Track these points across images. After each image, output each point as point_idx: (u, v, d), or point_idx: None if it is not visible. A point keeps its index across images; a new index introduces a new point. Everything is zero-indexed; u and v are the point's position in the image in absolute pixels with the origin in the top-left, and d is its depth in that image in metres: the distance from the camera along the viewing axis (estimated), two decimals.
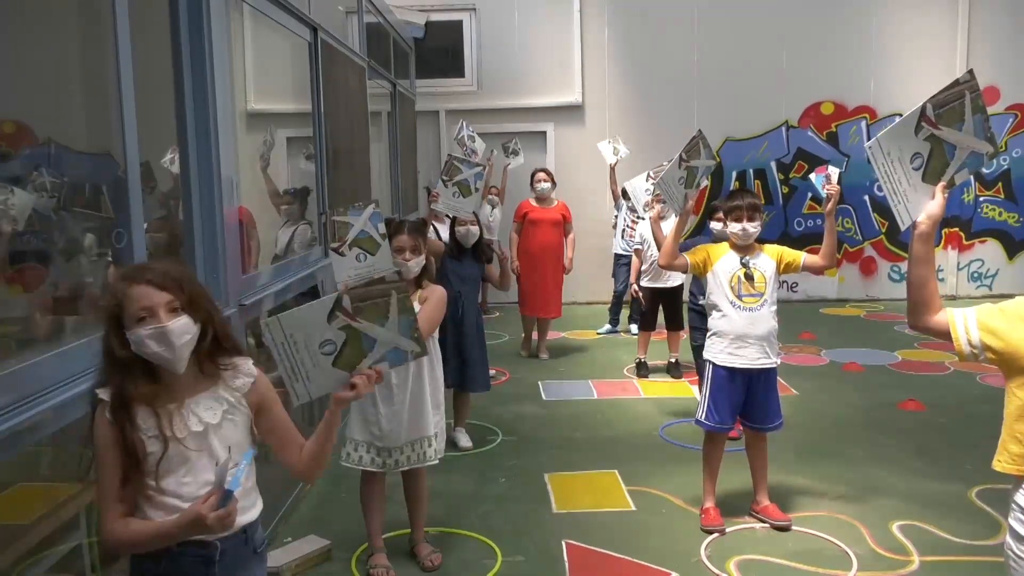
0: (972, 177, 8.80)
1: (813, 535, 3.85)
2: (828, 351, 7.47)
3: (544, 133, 10.06)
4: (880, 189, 2.21)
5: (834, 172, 4.02)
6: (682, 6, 9.84)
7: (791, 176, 10.04)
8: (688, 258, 3.97)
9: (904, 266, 9.56)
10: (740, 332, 3.82)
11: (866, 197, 10.04)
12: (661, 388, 6.41)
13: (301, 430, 2.12)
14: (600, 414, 5.80)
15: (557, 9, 9.86)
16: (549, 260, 7.32)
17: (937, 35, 9.77)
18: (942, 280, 10.04)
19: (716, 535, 3.86)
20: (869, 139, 8.26)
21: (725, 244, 3.95)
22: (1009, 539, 2.02)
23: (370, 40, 6.78)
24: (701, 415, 3.97)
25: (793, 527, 3.90)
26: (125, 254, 2.75)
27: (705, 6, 9.84)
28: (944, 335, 2.08)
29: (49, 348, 2.37)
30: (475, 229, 4.87)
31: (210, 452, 1.88)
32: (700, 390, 4.58)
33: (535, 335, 7.54)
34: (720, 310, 3.88)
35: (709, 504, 4.01)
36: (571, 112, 9.97)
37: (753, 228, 3.84)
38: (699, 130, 4.06)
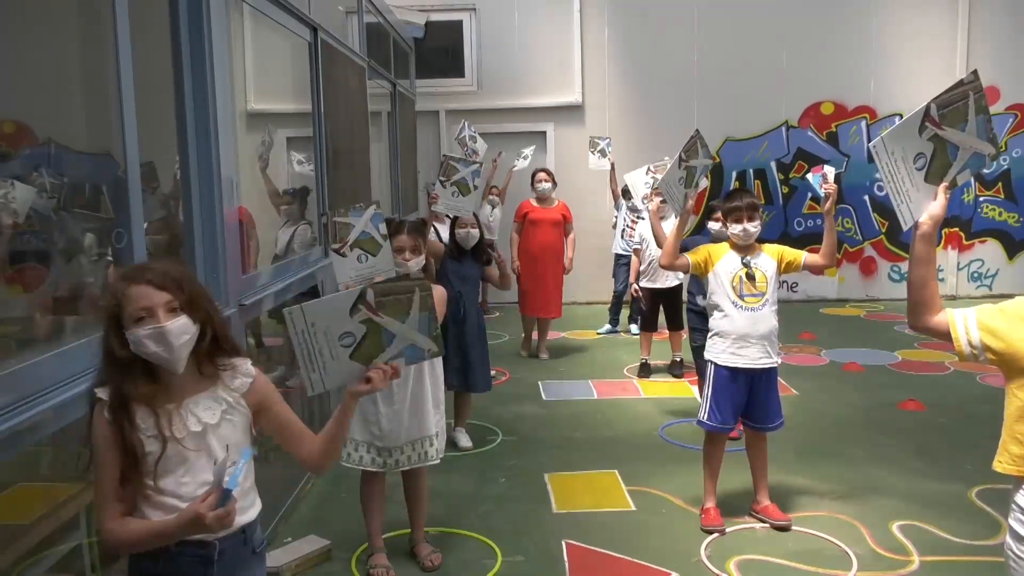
0: (972, 177, 8.82)
1: (813, 535, 3.85)
2: (828, 351, 7.47)
3: (544, 133, 10.06)
4: (881, 189, 2.22)
5: (830, 171, 4.03)
6: (682, 6, 9.84)
7: (791, 176, 10.04)
8: (689, 258, 3.97)
9: (904, 266, 9.57)
10: (742, 332, 3.82)
11: (866, 197, 10.04)
12: (661, 388, 6.41)
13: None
14: (600, 414, 5.80)
15: (557, 9, 9.86)
16: (549, 260, 7.32)
17: (937, 35, 9.77)
18: (942, 280, 10.04)
19: (716, 535, 3.86)
20: (869, 139, 8.29)
21: (725, 244, 3.95)
22: (1009, 539, 2.02)
23: (370, 40, 6.78)
24: (703, 415, 3.97)
25: (793, 527, 3.90)
26: (125, 254, 2.75)
27: (705, 6, 9.84)
28: (944, 336, 2.08)
29: (49, 348, 2.37)
30: (475, 232, 4.86)
31: (208, 452, 1.88)
32: (701, 390, 4.58)
33: (535, 335, 7.54)
34: (722, 310, 3.88)
35: (709, 504, 4.01)
36: (571, 112, 9.97)
37: (753, 228, 3.85)
38: (696, 130, 4.06)
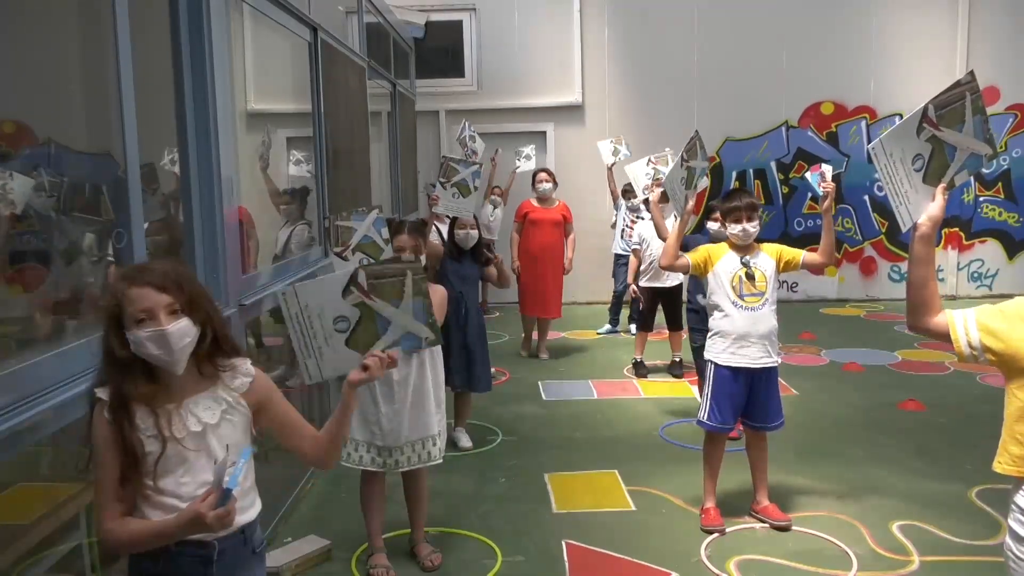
0: (972, 177, 8.81)
1: (813, 535, 3.85)
2: (828, 351, 7.47)
3: (544, 133, 10.06)
4: (880, 189, 2.22)
5: (828, 170, 4.03)
6: (682, 6, 9.84)
7: (791, 176, 10.04)
8: (689, 259, 3.97)
9: (904, 266, 9.57)
10: (742, 332, 3.82)
11: (866, 197, 10.05)
12: (661, 388, 6.41)
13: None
14: (600, 414, 5.80)
15: (557, 9, 9.86)
16: (549, 260, 7.32)
17: (937, 35, 9.77)
18: (942, 280, 10.04)
19: (716, 535, 3.86)
20: (869, 139, 8.30)
21: (724, 244, 3.95)
22: (1009, 540, 2.02)
23: (370, 40, 6.78)
24: (703, 415, 3.97)
25: (793, 527, 3.91)
26: (125, 254, 2.75)
27: (705, 6, 9.84)
28: (944, 336, 2.08)
29: (49, 348, 2.37)
30: (474, 232, 4.86)
31: (208, 452, 1.88)
32: (701, 390, 4.58)
33: (535, 335, 7.54)
34: (722, 310, 3.88)
35: (709, 504, 4.01)
36: (571, 112, 9.97)
37: (752, 228, 3.85)
38: (696, 131, 4.07)
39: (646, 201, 6.51)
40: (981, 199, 10.14)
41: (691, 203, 4.03)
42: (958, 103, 2.10)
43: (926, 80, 9.30)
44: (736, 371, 3.85)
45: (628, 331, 8.26)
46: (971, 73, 2.11)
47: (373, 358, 2.02)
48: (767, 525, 3.94)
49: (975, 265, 10.25)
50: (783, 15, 9.78)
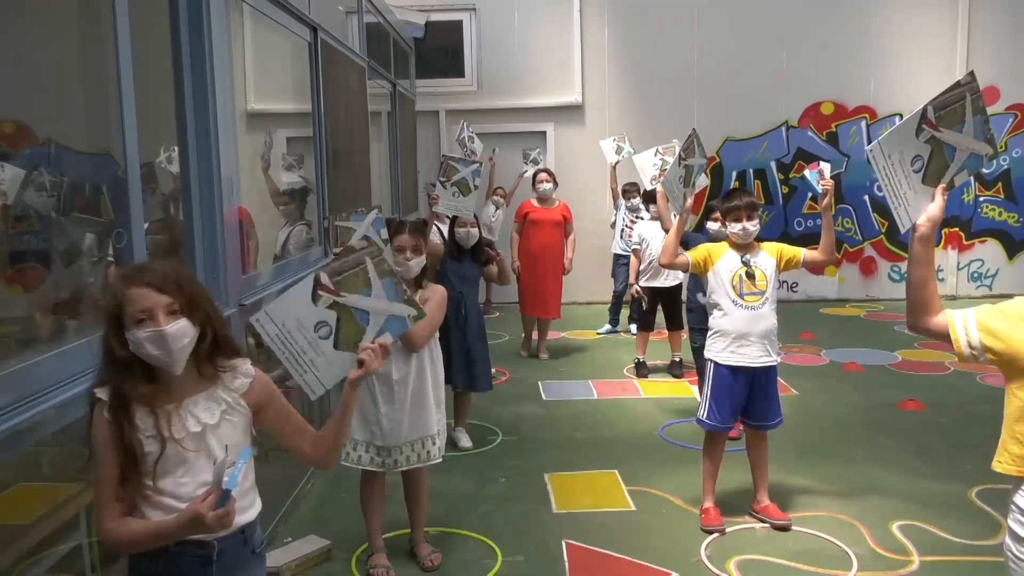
0: (972, 177, 8.81)
1: (813, 535, 3.85)
2: (828, 351, 7.47)
3: (544, 133, 10.06)
4: (880, 189, 2.22)
5: (826, 167, 4.03)
6: (682, 6, 9.84)
7: (791, 176, 10.04)
8: (689, 257, 3.97)
9: (904, 266, 9.56)
10: (742, 331, 3.82)
11: (866, 197, 10.05)
12: (661, 388, 6.41)
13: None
14: (600, 414, 5.80)
15: (557, 9, 9.86)
16: (549, 260, 7.32)
17: (937, 35, 9.77)
18: (942, 280, 10.04)
19: (716, 535, 3.86)
20: (869, 139, 8.28)
21: (725, 243, 3.95)
22: (1008, 540, 2.02)
23: (370, 40, 6.78)
24: (702, 414, 3.97)
25: (793, 527, 3.91)
26: (125, 254, 2.75)
27: (705, 6, 9.84)
28: (944, 337, 2.08)
29: (49, 348, 2.37)
30: (475, 231, 4.87)
31: (208, 452, 1.88)
32: (701, 390, 4.58)
33: (535, 335, 7.54)
34: (722, 309, 3.88)
35: (709, 504, 4.01)
36: (571, 112, 9.97)
37: (753, 227, 3.85)
38: (693, 129, 4.08)
39: (651, 196, 6.51)
40: (981, 199, 10.14)
41: (690, 201, 4.04)
42: (958, 103, 2.10)
43: (926, 80, 9.30)
44: (736, 370, 3.85)
45: (628, 331, 8.26)
46: (971, 74, 2.11)
47: (366, 352, 2.02)
48: (767, 525, 3.94)
49: (975, 265, 10.25)
50: (783, 15, 9.78)
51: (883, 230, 10.12)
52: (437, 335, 3.60)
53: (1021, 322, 1.97)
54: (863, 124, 9.95)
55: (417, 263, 3.46)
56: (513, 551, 3.75)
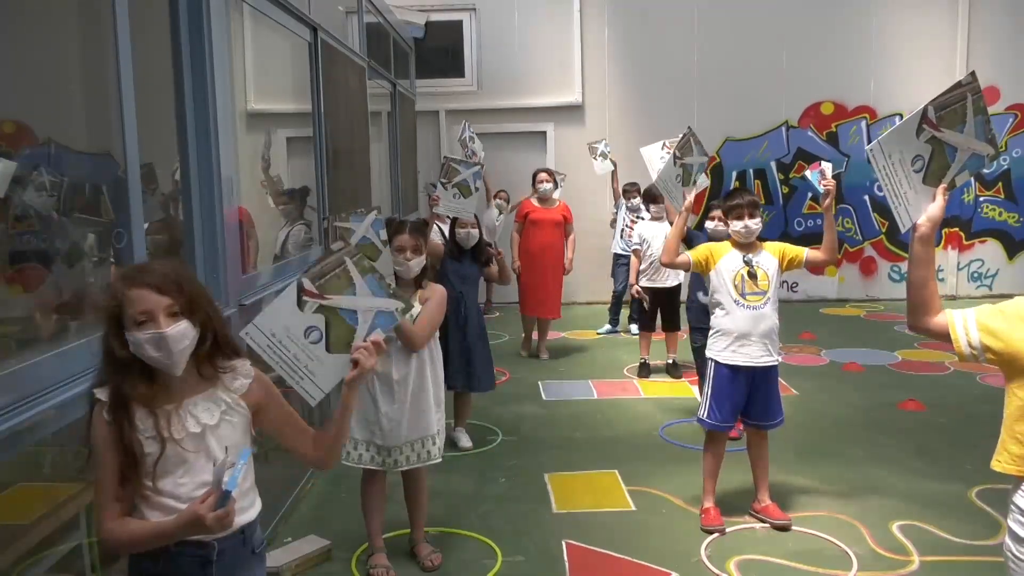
0: (972, 177, 8.83)
1: (813, 535, 3.85)
2: (828, 351, 7.47)
3: (544, 133, 10.06)
4: (880, 189, 2.22)
5: (828, 167, 4.03)
6: (682, 6, 9.84)
7: (791, 176, 10.05)
8: (691, 256, 3.97)
9: (904, 266, 9.57)
10: (744, 330, 3.82)
11: (866, 197, 10.05)
12: (661, 388, 6.41)
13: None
14: (600, 414, 5.80)
15: (557, 9, 9.86)
16: (549, 260, 7.32)
17: (937, 35, 9.77)
18: (942, 280, 10.04)
19: (716, 535, 3.86)
20: (869, 139, 8.26)
21: (727, 243, 3.95)
22: (1008, 540, 2.02)
23: (370, 40, 6.78)
24: (703, 413, 3.97)
25: (793, 527, 3.91)
26: (125, 254, 2.75)
27: (705, 6, 9.84)
28: (944, 336, 2.08)
29: (49, 348, 2.37)
30: (475, 232, 4.87)
31: (207, 453, 1.88)
32: (701, 389, 4.58)
33: (535, 335, 7.54)
34: (723, 308, 3.88)
35: (709, 504, 4.01)
36: (571, 112, 9.97)
37: (755, 225, 3.85)
38: (688, 127, 4.07)
39: (651, 196, 6.50)
40: (981, 199, 10.15)
41: (689, 199, 4.04)
42: (958, 104, 2.10)
43: (926, 80, 9.31)
44: (736, 369, 3.85)
45: (628, 331, 8.26)
46: (972, 74, 2.11)
47: (359, 351, 2.02)
48: (767, 525, 3.94)
49: (975, 265, 10.25)
50: (783, 15, 9.78)
51: (883, 230, 10.12)
52: (437, 335, 3.60)
53: (1021, 322, 1.97)
54: (863, 124, 9.95)
55: (417, 263, 3.46)
56: (513, 551, 3.75)
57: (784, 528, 3.90)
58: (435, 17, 9.85)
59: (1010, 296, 2.09)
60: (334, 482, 4.46)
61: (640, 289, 6.58)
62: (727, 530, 3.90)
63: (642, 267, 6.53)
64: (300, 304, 1.99)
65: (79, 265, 3.15)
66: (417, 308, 3.43)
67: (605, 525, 4.00)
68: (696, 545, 3.77)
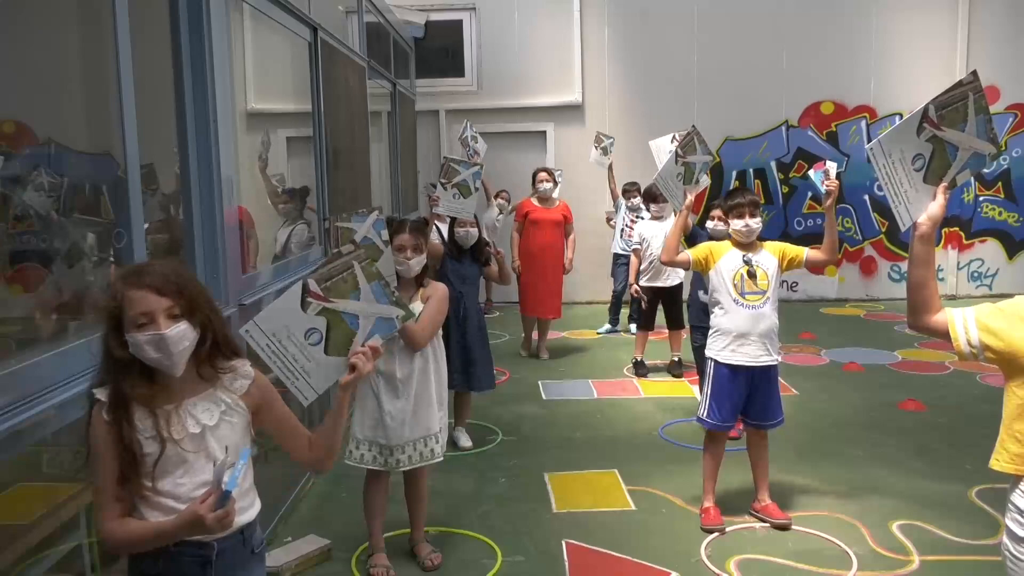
0: (972, 177, 8.82)
1: (813, 535, 3.85)
2: (828, 351, 7.47)
3: (544, 133, 10.07)
4: (880, 189, 2.22)
5: (832, 167, 4.02)
6: (682, 5, 9.84)
7: (791, 176, 10.05)
8: (690, 254, 3.97)
9: (904, 266, 9.56)
10: (743, 330, 3.82)
11: (866, 197, 10.05)
12: (661, 388, 6.41)
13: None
14: (600, 414, 5.80)
15: (557, 8, 9.86)
16: (550, 260, 7.31)
17: (937, 35, 9.77)
18: (942, 280, 10.04)
19: (716, 534, 3.86)
20: (869, 139, 8.23)
21: (727, 242, 3.95)
22: (1006, 539, 2.02)
23: (370, 40, 6.78)
24: (702, 413, 3.97)
25: (793, 527, 3.91)
26: (125, 254, 2.75)
27: (705, 5, 9.84)
28: (943, 335, 2.08)
29: (49, 348, 2.37)
30: (474, 231, 4.87)
31: (207, 453, 1.88)
32: (701, 389, 4.58)
33: (535, 335, 7.54)
34: (723, 307, 3.88)
35: (709, 504, 4.01)
36: (571, 112, 9.97)
37: (755, 224, 3.85)
38: (693, 126, 4.06)
39: (651, 196, 6.49)
40: (981, 199, 10.14)
41: (690, 198, 4.04)
42: (960, 103, 2.10)
43: (926, 80, 9.30)
44: (736, 369, 3.85)
45: (628, 331, 8.26)
46: (974, 73, 2.11)
47: (357, 356, 2.02)
48: (767, 524, 3.94)
49: (975, 265, 10.25)
50: (783, 15, 9.78)
51: (883, 230, 10.12)
52: (441, 333, 3.61)
53: (1020, 321, 1.97)
54: (863, 124, 9.95)
55: (418, 262, 3.46)
56: (513, 551, 3.75)
57: (784, 528, 3.90)
58: (435, 17, 9.85)
59: (1010, 296, 2.09)
60: (334, 482, 4.46)
61: (638, 288, 6.58)
62: (727, 529, 3.90)
63: (642, 267, 6.53)
64: (304, 305, 1.99)
65: (79, 265, 3.15)
66: (419, 307, 3.43)
67: (605, 525, 4.00)
68: (696, 545, 3.77)
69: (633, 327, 8.00)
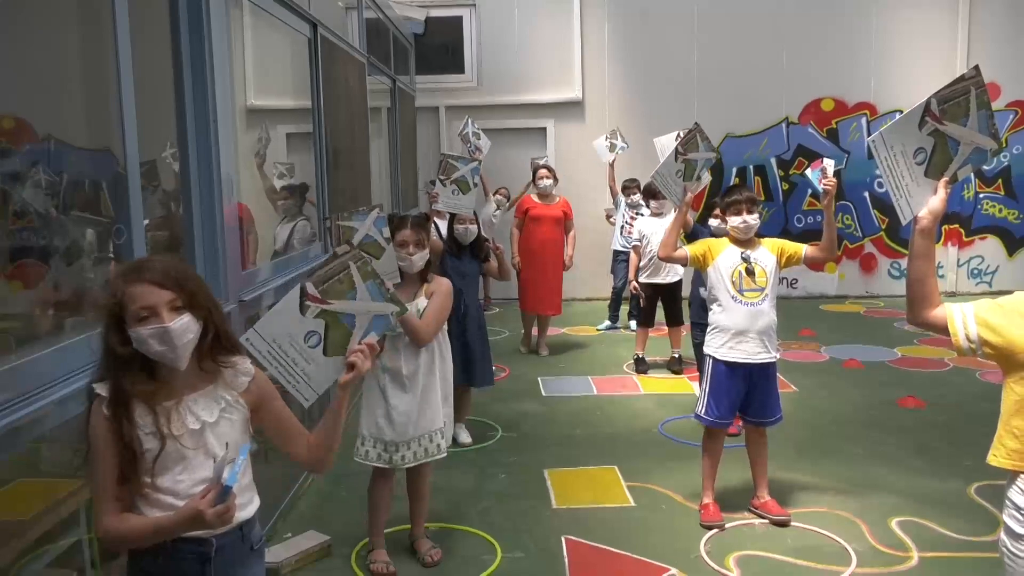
0: (972, 173, 8.81)
1: (812, 531, 3.86)
2: (828, 348, 7.47)
3: (544, 129, 10.06)
4: (881, 185, 2.22)
5: (830, 165, 4.01)
6: (682, 5, 9.82)
7: (791, 173, 10.04)
8: (688, 250, 3.97)
9: (904, 263, 9.55)
10: (741, 327, 3.82)
11: (866, 194, 10.03)
12: (660, 384, 6.41)
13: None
14: (600, 410, 5.81)
15: (557, 5, 9.85)
16: (550, 257, 7.32)
17: (937, 34, 9.76)
18: (942, 277, 10.03)
19: (715, 531, 3.87)
20: (869, 136, 8.21)
21: (725, 239, 3.95)
22: (1003, 536, 2.03)
23: (370, 36, 6.77)
24: (700, 410, 3.98)
25: (793, 523, 3.91)
26: (125, 251, 2.75)
27: (705, 5, 9.82)
28: (942, 330, 2.08)
29: (49, 344, 2.37)
30: (473, 228, 4.87)
31: (207, 450, 1.88)
32: (700, 385, 4.58)
33: (535, 331, 7.54)
34: (721, 304, 3.88)
35: (708, 500, 4.01)
36: (571, 108, 9.97)
37: (753, 220, 3.85)
38: (696, 123, 4.06)
39: (651, 192, 6.49)
40: (981, 196, 10.14)
41: (690, 195, 4.04)
42: (962, 97, 2.10)
43: (926, 77, 9.28)
44: (734, 366, 3.85)
45: (628, 327, 8.26)
46: (976, 68, 2.11)
47: (355, 354, 2.02)
48: (766, 521, 3.94)
49: (975, 262, 10.24)
50: (783, 13, 9.77)
51: (883, 227, 10.11)
52: (446, 328, 3.61)
53: (1019, 317, 1.97)
54: (863, 121, 9.94)
55: (420, 257, 3.47)
56: (513, 547, 3.75)
57: (783, 524, 3.90)
58: (435, 13, 9.84)
59: (1010, 293, 2.09)
60: (334, 481, 4.47)
61: (637, 285, 6.58)
62: (726, 526, 3.91)
63: (642, 263, 6.53)
64: (303, 309, 1.99)
65: (79, 262, 3.15)
66: (424, 302, 3.44)
67: (605, 521, 4.01)
68: (696, 541, 3.77)
69: (633, 324, 8.00)
